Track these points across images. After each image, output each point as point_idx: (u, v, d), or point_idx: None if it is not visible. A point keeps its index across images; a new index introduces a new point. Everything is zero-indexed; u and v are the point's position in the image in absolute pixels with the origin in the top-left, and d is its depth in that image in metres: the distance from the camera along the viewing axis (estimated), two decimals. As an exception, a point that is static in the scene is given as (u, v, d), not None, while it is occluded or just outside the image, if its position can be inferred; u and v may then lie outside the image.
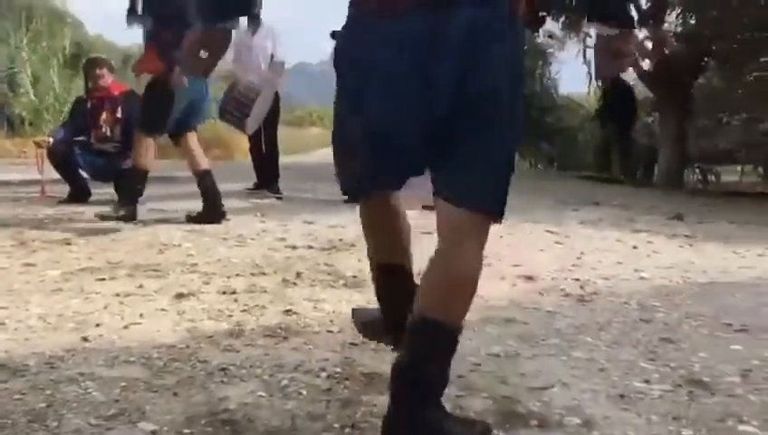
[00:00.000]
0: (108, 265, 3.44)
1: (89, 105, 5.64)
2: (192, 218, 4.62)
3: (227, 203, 4.90)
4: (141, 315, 2.68)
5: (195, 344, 2.37)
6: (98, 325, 2.54)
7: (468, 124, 1.53)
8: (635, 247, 4.46)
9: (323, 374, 2.14)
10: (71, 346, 2.31)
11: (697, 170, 12.22)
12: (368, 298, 2.62)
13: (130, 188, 4.37)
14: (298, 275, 3.37)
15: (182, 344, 2.37)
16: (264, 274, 3.38)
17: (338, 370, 2.16)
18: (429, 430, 1.58)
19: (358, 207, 1.89)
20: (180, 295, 2.95)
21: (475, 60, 1.50)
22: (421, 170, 1.67)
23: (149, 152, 4.34)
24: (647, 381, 2.16)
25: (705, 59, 10.16)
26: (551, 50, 13.70)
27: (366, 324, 2.05)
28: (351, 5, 1.66)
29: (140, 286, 3.07)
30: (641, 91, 12.26)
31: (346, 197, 1.93)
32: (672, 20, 10.33)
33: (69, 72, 13.61)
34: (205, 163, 4.69)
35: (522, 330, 2.66)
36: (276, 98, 6.01)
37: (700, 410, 1.97)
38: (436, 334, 1.59)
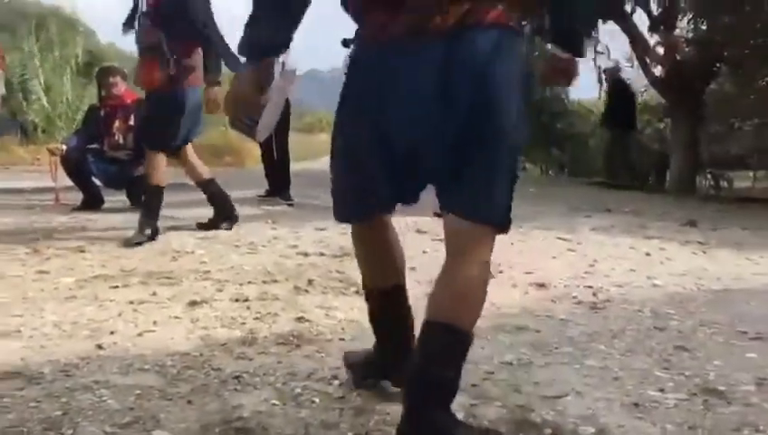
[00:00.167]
0: (121, 273, 3.46)
1: (102, 113, 5.69)
2: (204, 226, 4.64)
3: (239, 210, 4.91)
4: (155, 323, 2.69)
5: (208, 352, 2.38)
6: (112, 333, 2.56)
7: (477, 141, 1.58)
8: (648, 254, 4.44)
9: (336, 382, 2.15)
10: (85, 354, 2.33)
11: (709, 176, 12.14)
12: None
13: (149, 207, 4.33)
14: (310, 282, 3.37)
15: (196, 352, 2.38)
16: (275, 281, 3.39)
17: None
18: (438, 433, 1.59)
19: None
20: (193, 303, 2.96)
21: (486, 79, 1.56)
22: (420, 190, 1.73)
23: (161, 167, 4.32)
24: (661, 390, 2.15)
25: (717, 64, 10.11)
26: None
27: (355, 365, 2.10)
28: (362, 29, 1.68)
29: (154, 294, 3.08)
30: (653, 96, 12.24)
31: None
32: (683, 25, 10.30)
33: (81, 80, 13.72)
34: (206, 172, 4.68)
35: (534, 338, 2.65)
36: (287, 105, 6.03)
37: (716, 419, 1.96)
38: (446, 338, 1.61)
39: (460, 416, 1.69)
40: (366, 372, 2.08)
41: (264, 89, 1.73)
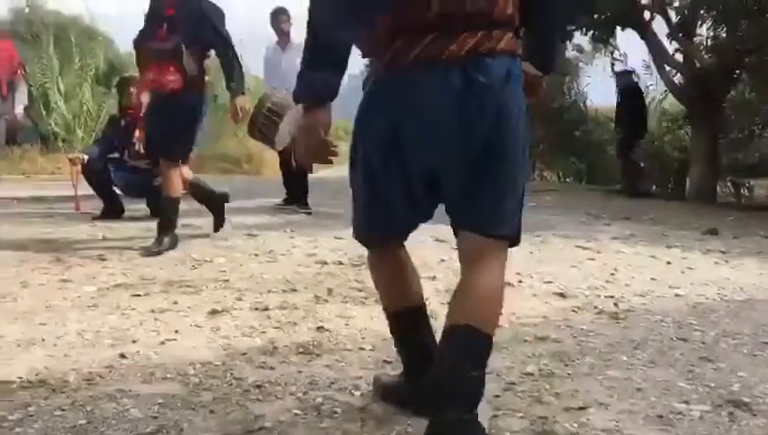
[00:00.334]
0: (142, 282, 3.49)
1: (123, 123, 5.74)
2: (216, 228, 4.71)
3: (258, 219, 4.94)
4: (176, 332, 2.71)
5: (230, 361, 2.40)
6: (134, 341, 2.58)
7: (492, 162, 1.66)
8: (669, 263, 4.40)
9: (357, 393, 2.15)
10: (108, 362, 2.35)
11: (730, 184, 12.01)
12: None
13: (166, 219, 4.35)
14: (329, 291, 3.38)
15: (217, 361, 2.39)
16: (295, 290, 3.40)
17: (372, 388, 2.16)
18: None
19: None
20: (214, 312, 2.98)
21: (501, 108, 1.65)
22: (433, 210, 1.81)
23: (177, 178, 4.34)
24: (686, 402, 2.13)
25: (738, 71, 10.01)
26: (579, 63, 13.63)
27: (386, 387, 2.09)
28: (382, 56, 1.70)
29: (175, 303, 3.10)
30: (672, 103, 12.15)
31: None
32: (703, 32, 10.22)
33: (101, 90, 13.87)
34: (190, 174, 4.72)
35: (556, 348, 2.64)
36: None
37: (741, 431, 1.94)
38: (470, 339, 1.65)
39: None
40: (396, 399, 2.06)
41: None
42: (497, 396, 2.11)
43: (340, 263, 4.03)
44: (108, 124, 6.13)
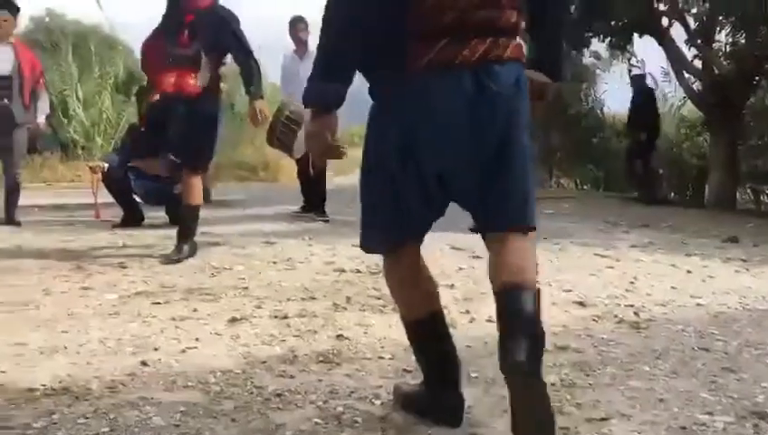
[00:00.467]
0: (162, 289, 3.51)
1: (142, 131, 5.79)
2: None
3: (275, 226, 4.94)
4: (197, 339, 2.72)
5: (250, 369, 2.41)
6: (156, 349, 2.60)
7: (508, 161, 1.74)
8: (689, 272, 4.36)
9: (378, 402, 2.15)
10: (130, 370, 2.37)
11: (749, 191, 11.89)
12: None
13: (186, 227, 4.38)
14: (348, 299, 3.38)
15: (238, 369, 2.40)
16: (313, 298, 3.41)
17: (392, 397, 2.16)
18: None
19: None
20: (234, 320, 2.99)
21: (511, 114, 1.72)
22: (443, 212, 1.87)
23: (198, 186, 4.37)
24: (709, 413, 2.11)
25: (757, 78, 9.93)
26: (596, 70, 13.60)
27: (407, 396, 2.09)
28: (392, 63, 1.72)
29: (195, 310, 3.12)
30: (691, 110, 12.06)
31: None
32: (721, 39, 10.15)
33: (121, 98, 14.01)
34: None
35: (576, 358, 2.62)
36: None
37: (767, 444, 1.91)
38: (523, 295, 1.69)
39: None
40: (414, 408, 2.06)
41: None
42: (518, 406, 2.09)
43: (358, 271, 4.03)
44: (127, 133, 6.19)
